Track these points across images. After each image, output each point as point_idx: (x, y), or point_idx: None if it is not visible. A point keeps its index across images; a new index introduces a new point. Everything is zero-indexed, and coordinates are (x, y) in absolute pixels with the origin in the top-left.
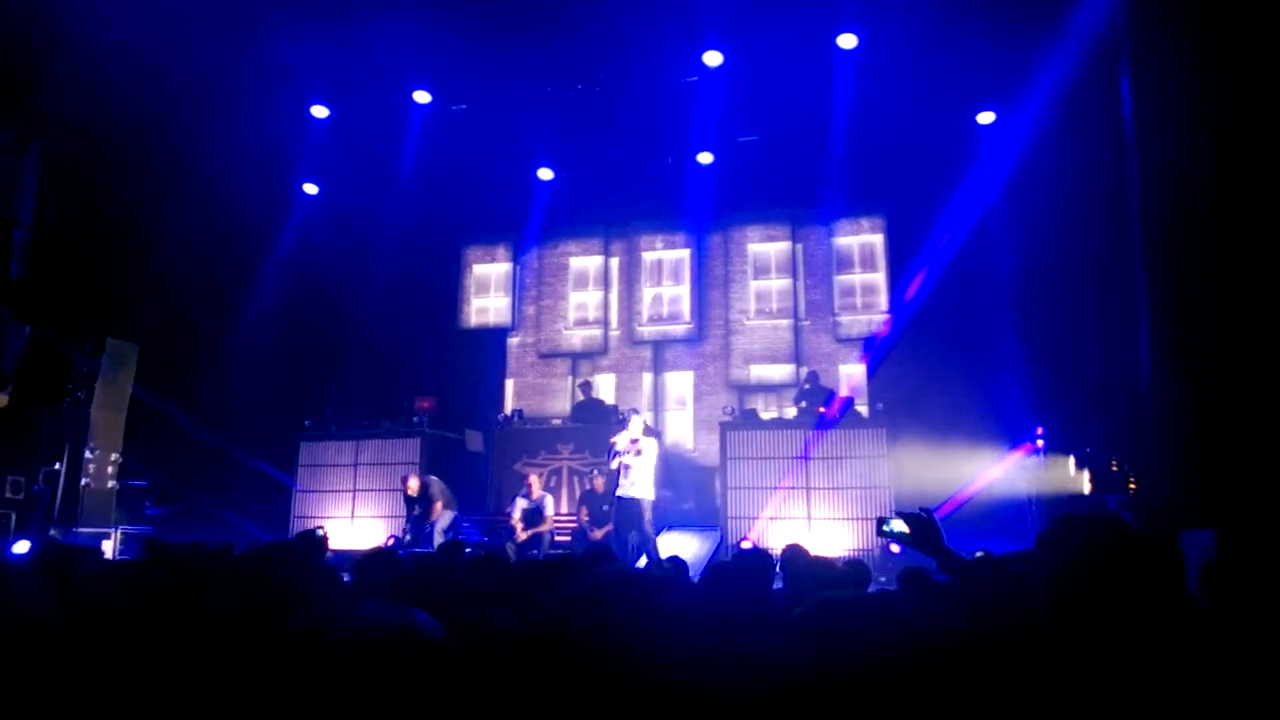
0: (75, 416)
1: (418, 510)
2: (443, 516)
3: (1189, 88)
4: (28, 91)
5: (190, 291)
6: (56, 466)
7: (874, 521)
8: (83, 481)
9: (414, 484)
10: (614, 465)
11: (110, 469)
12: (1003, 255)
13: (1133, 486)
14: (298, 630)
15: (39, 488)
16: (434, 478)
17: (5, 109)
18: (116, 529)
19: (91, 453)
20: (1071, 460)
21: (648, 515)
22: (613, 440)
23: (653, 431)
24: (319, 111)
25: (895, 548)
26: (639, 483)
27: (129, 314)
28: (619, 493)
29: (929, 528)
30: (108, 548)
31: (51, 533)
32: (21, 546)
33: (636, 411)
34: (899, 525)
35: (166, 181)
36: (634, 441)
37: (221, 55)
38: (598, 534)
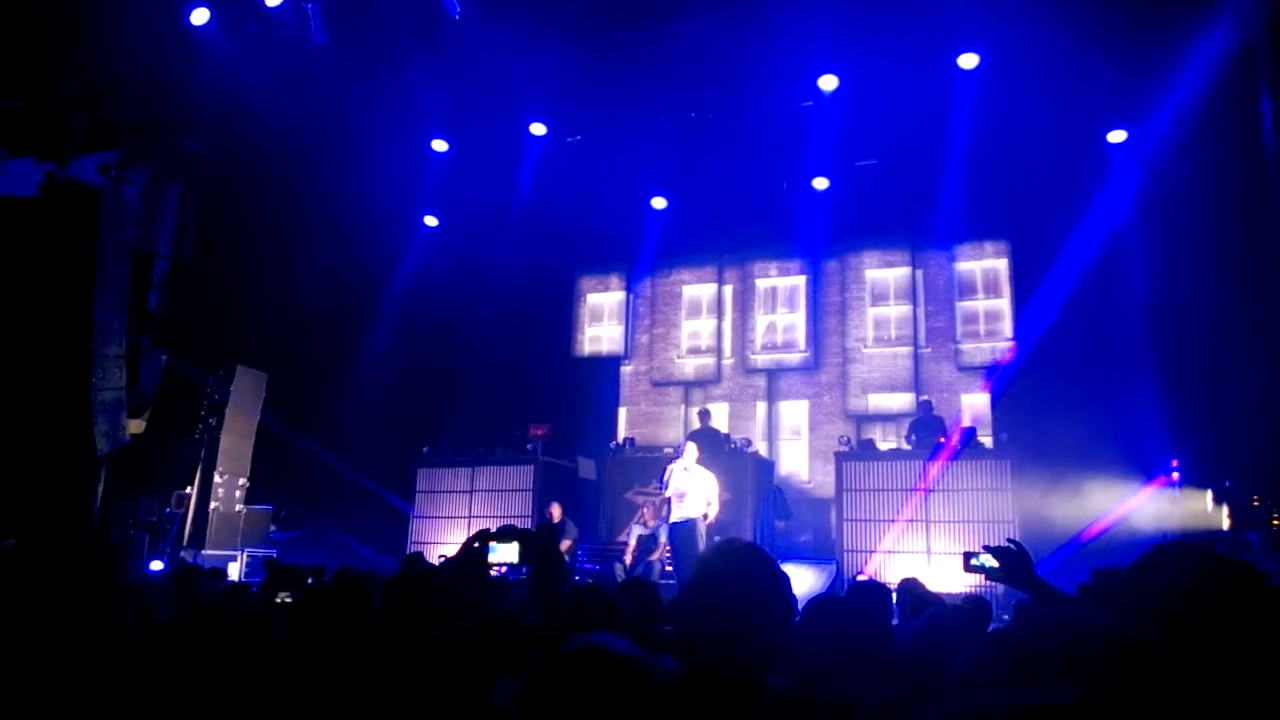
0: (206, 442)
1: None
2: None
3: None
4: (168, 130)
5: (316, 321)
6: (188, 490)
7: (961, 557)
8: (211, 505)
9: (556, 512)
10: (668, 493)
11: (238, 493)
12: (1135, 279)
13: (1276, 523)
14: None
15: (171, 510)
16: (571, 522)
17: (147, 146)
18: (243, 551)
19: (220, 477)
20: (1209, 494)
21: (700, 532)
22: (668, 468)
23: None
24: (439, 146)
25: None
26: (688, 505)
27: (259, 343)
28: (672, 517)
29: (1019, 560)
30: (234, 569)
31: (182, 554)
32: (156, 566)
33: (692, 439)
34: (988, 559)
35: (295, 215)
36: (686, 470)
37: (348, 94)
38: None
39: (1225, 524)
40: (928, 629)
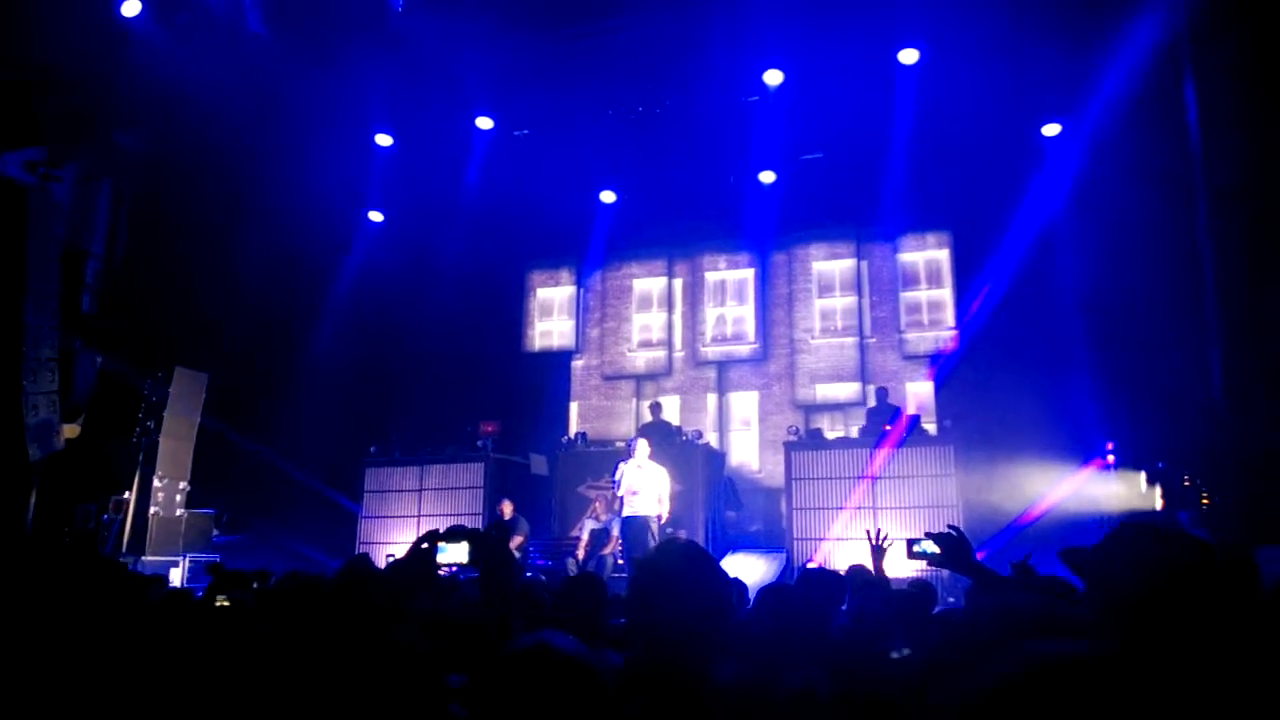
0: (144, 446)
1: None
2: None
3: (1254, 94)
4: (99, 124)
5: (258, 320)
6: (126, 495)
7: (905, 544)
8: (151, 510)
9: (508, 509)
10: (621, 491)
11: (179, 497)
12: (1070, 268)
13: (1205, 502)
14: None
15: (109, 516)
16: (523, 519)
17: (77, 143)
18: (185, 556)
19: (160, 481)
20: (1143, 476)
21: (654, 529)
22: (620, 466)
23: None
24: (383, 140)
25: None
26: (640, 502)
27: (198, 343)
28: (625, 513)
29: (959, 546)
30: (175, 575)
31: (121, 561)
32: None
33: (643, 433)
34: (930, 546)
35: (234, 211)
36: (639, 467)
37: (288, 87)
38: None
39: (1158, 504)
40: (860, 614)
